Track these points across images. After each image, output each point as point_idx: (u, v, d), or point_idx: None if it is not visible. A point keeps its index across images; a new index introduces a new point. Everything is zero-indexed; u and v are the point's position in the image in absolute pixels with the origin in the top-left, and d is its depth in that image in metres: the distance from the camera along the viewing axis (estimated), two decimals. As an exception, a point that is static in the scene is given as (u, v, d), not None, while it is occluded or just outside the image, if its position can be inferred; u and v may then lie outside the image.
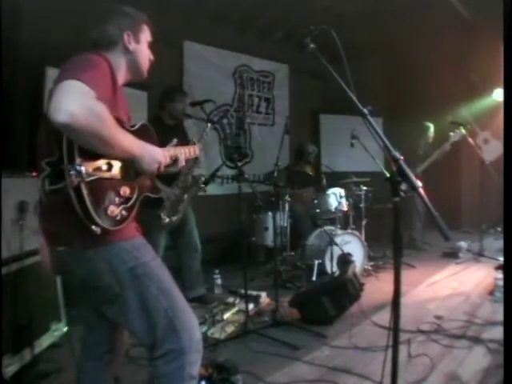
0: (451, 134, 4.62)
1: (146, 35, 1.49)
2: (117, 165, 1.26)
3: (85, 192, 1.14)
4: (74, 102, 1.07)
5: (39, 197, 1.27)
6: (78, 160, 1.13)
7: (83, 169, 1.13)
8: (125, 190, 1.28)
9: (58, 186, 1.18)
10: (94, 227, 1.17)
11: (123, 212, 1.26)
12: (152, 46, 1.53)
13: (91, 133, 1.10)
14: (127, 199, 1.29)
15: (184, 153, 1.62)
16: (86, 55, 1.26)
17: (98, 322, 1.44)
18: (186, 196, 2.91)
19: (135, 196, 1.33)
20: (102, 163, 1.21)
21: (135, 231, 1.39)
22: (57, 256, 1.30)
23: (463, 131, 4.58)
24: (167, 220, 2.81)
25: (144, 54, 1.48)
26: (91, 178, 1.16)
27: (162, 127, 3.04)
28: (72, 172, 1.12)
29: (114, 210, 1.23)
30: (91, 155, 1.17)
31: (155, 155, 1.34)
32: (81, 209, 1.14)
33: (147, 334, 1.32)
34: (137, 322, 1.31)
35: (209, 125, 2.73)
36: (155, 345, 1.31)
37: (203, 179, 2.95)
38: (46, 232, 1.30)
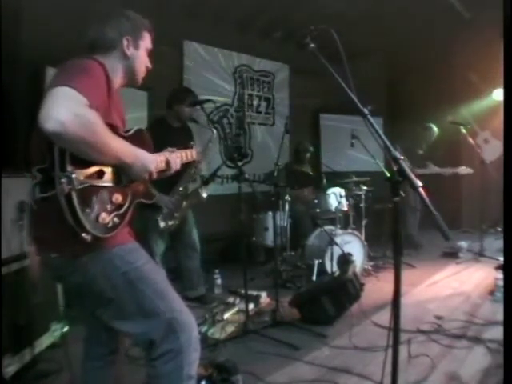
0: (462, 167, 4.71)
1: (145, 42, 1.46)
2: (109, 172, 1.25)
3: (75, 200, 1.12)
4: (63, 109, 1.04)
5: (30, 204, 1.25)
6: (69, 168, 1.11)
7: (74, 176, 1.12)
8: (117, 197, 1.27)
9: (48, 194, 1.16)
10: (84, 235, 1.15)
11: (115, 219, 1.25)
12: (151, 54, 1.50)
13: (81, 141, 1.07)
14: (119, 206, 1.28)
15: (181, 157, 1.60)
16: (80, 60, 1.24)
17: (98, 323, 1.43)
18: (184, 203, 2.91)
19: (128, 203, 1.32)
20: (93, 170, 1.19)
21: (128, 236, 1.38)
22: (49, 263, 1.29)
23: (469, 169, 4.69)
24: (163, 224, 2.80)
25: (141, 62, 1.46)
26: (82, 186, 1.14)
27: (166, 129, 3.03)
28: (63, 180, 1.10)
29: (106, 218, 1.21)
30: (83, 162, 1.15)
31: (146, 163, 1.32)
32: (71, 217, 1.13)
33: (145, 337, 1.32)
34: (133, 326, 1.31)
35: (214, 131, 2.69)
36: (153, 346, 1.31)
37: (204, 195, 2.93)
38: (38, 240, 1.29)
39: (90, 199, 1.17)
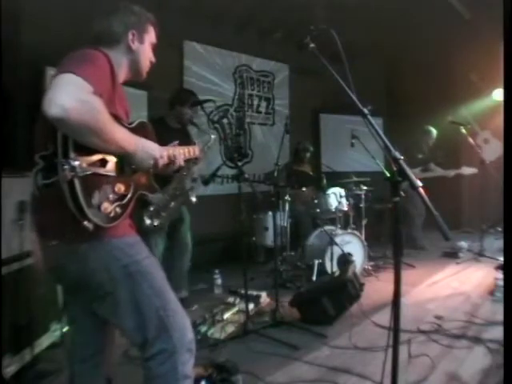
0: (465, 168, 4.71)
1: (150, 36, 1.47)
2: (112, 161, 1.25)
3: (78, 187, 1.12)
4: (67, 95, 1.05)
5: (32, 191, 1.24)
6: (72, 154, 1.12)
7: (77, 163, 1.11)
8: (119, 187, 1.26)
9: (51, 181, 1.16)
10: (86, 223, 1.15)
11: (117, 209, 1.24)
12: (155, 48, 1.51)
13: (84, 127, 1.08)
14: (122, 196, 1.28)
15: (184, 153, 1.60)
16: (84, 50, 1.25)
17: (83, 322, 1.42)
18: (172, 204, 2.86)
19: (130, 193, 1.32)
20: (96, 158, 1.19)
21: (129, 228, 1.37)
22: (49, 251, 1.28)
23: (473, 169, 4.70)
24: (149, 222, 2.77)
25: (146, 55, 1.47)
26: (85, 173, 1.14)
27: (165, 129, 3.00)
28: (66, 166, 1.10)
29: (108, 207, 1.21)
30: (86, 150, 1.15)
31: (150, 151, 1.31)
32: (73, 204, 1.13)
33: (138, 333, 1.31)
34: (128, 320, 1.30)
35: (212, 136, 2.67)
36: (146, 344, 1.31)
37: (193, 199, 2.90)
38: (39, 226, 1.28)
39: (92, 187, 1.17)
